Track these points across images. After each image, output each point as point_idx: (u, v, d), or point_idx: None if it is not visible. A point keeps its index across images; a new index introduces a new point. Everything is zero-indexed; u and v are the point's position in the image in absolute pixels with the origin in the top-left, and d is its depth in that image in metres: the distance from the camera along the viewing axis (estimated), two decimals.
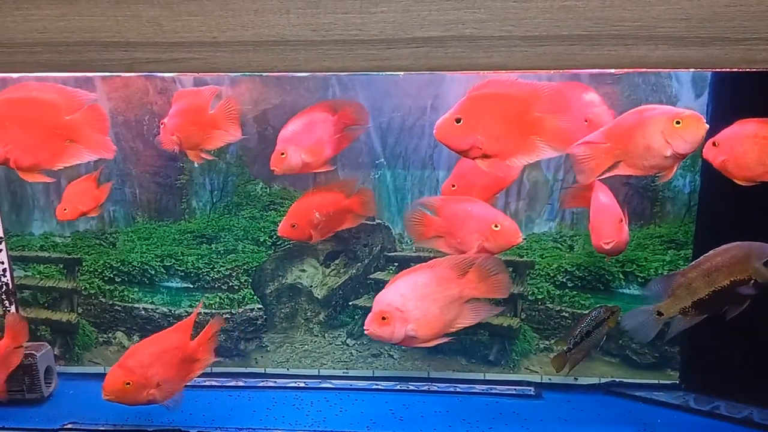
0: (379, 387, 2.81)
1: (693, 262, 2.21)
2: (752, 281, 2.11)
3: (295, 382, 2.85)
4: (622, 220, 2.19)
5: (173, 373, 2.29)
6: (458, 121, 1.87)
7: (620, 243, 2.18)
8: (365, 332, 2.11)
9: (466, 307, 2.16)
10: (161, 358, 2.28)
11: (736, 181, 2.01)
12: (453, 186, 2.37)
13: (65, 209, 2.51)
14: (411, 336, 2.08)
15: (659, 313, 2.20)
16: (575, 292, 2.73)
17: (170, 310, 2.92)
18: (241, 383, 2.86)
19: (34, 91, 2.03)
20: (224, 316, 2.89)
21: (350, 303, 2.89)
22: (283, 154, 2.32)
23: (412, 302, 2.08)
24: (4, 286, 2.77)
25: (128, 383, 2.22)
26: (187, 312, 2.91)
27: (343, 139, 2.42)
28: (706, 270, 2.15)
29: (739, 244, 2.14)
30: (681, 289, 2.18)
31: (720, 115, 2.46)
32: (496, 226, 2.17)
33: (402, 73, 1.80)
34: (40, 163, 2.08)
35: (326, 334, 2.92)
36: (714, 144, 2.01)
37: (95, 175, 2.58)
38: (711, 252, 2.16)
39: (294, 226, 2.45)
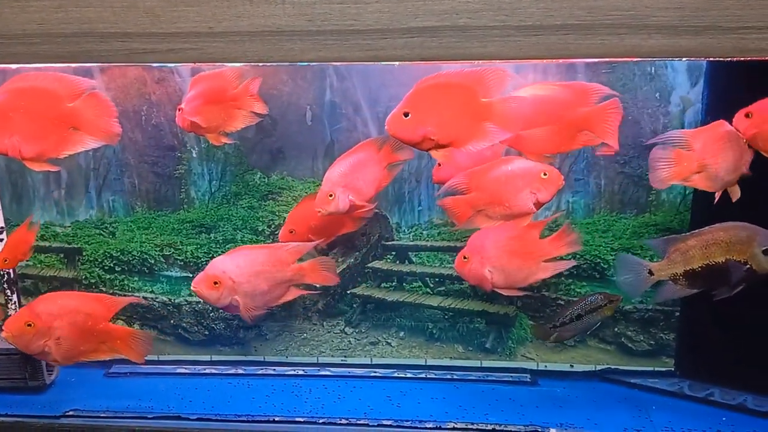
0: (377, 374, 2.83)
1: (695, 230, 2.17)
2: (747, 266, 2.10)
3: (294, 370, 2.87)
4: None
5: (77, 336, 2.25)
6: (406, 115, 1.89)
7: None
8: (192, 288, 2.20)
9: (292, 288, 2.32)
10: (72, 315, 2.24)
11: (764, 154, 2.00)
12: (439, 165, 2.38)
13: (6, 259, 2.51)
14: (234, 305, 2.21)
15: (650, 272, 2.19)
16: (571, 280, 2.75)
17: (170, 299, 2.94)
18: (240, 371, 2.88)
19: (36, 80, 2.05)
20: None
21: (348, 291, 2.92)
22: (331, 195, 2.27)
23: (245, 276, 2.21)
24: (6, 276, 2.79)
25: (30, 324, 2.20)
26: (186, 301, 2.94)
27: (385, 176, 2.41)
28: (705, 241, 2.12)
29: (745, 225, 2.11)
30: (677, 253, 2.15)
31: (715, 104, 2.47)
32: (544, 174, 2.12)
33: (397, 63, 1.82)
34: (46, 152, 2.11)
35: (324, 323, 2.94)
36: (747, 115, 1.98)
37: (27, 222, 2.55)
38: (715, 225, 2.13)
39: (292, 231, 2.48)
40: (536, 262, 2.28)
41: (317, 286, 2.46)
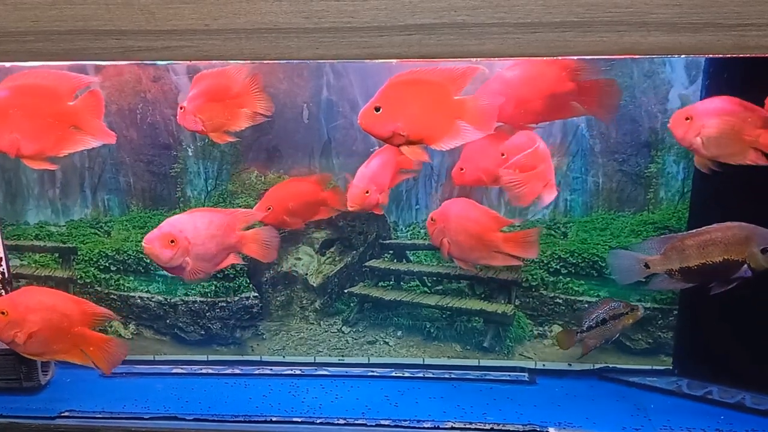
0: (375, 374, 2.82)
1: (693, 230, 2.20)
2: (745, 265, 2.10)
3: (291, 370, 2.86)
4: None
5: (49, 334, 2.26)
6: (377, 109, 1.90)
7: None
8: (144, 245, 2.16)
9: (231, 255, 2.34)
10: (47, 312, 2.25)
11: None
12: (462, 169, 2.40)
13: None
14: (182, 267, 2.20)
15: (646, 265, 2.22)
16: (569, 279, 2.75)
17: (166, 299, 2.93)
18: (237, 371, 2.87)
19: (37, 77, 2.05)
20: (220, 304, 2.91)
21: (346, 291, 2.91)
22: (367, 192, 2.40)
23: (201, 238, 2.21)
24: (1, 276, 2.77)
25: (4, 313, 2.22)
26: (183, 301, 2.92)
27: (394, 179, 2.54)
28: (703, 242, 2.14)
29: (743, 225, 2.12)
30: (673, 251, 2.17)
31: None
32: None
33: (395, 60, 1.81)
34: (45, 150, 2.11)
35: (322, 322, 2.93)
36: None
37: None
38: (713, 225, 2.15)
39: (269, 209, 2.54)
40: (488, 250, 2.36)
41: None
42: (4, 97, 2.02)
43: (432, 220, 2.41)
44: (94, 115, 2.10)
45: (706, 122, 2.08)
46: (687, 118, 2.10)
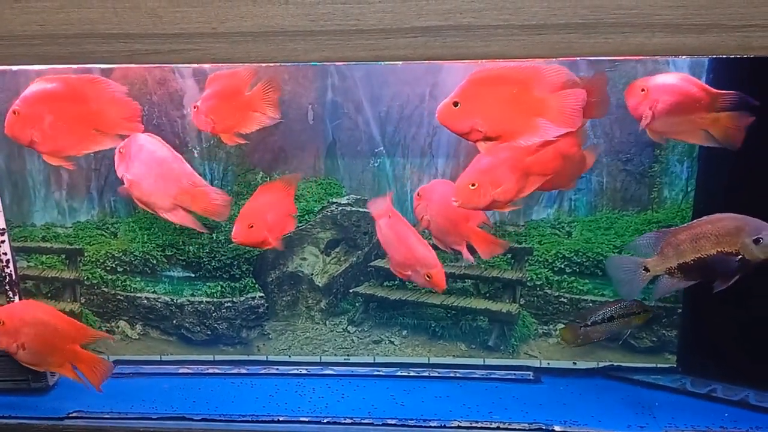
0: (380, 373, 2.83)
1: (685, 224, 2.19)
2: (740, 257, 2.08)
3: (297, 369, 2.88)
4: None
5: (41, 348, 2.35)
6: (456, 104, 1.89)
7: None
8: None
9: (179, 210, 2.25)
10: (40, 327, 2.34)
11: None
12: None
13: None
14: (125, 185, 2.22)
15: (646, 269, 2.20)
16: (573, 278, 2.76)
17: (172, 299, 2.94)
18: (243, 371, 2.88)
19: (67, 79, 2.12)
20: (226, 305, 2.92)
21: (351, 290, 2.92)
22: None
23: (141, 166, 2.18)
24: (8, 277, 2.78)
25: (2, 322, 2.32)
26: (189, 301, 2.93)
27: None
28: (694, 235, 2.12)
29: (733, 216, 2.10)
30: (669, 248, 2.15)
31: None
32: None
33: (400, 62, 1.81)
34: (66, 149, 2.17)
35: (327, 322, 2.94)
36: None
37: None
38: (703, 218, 2.14)
39: (251, 226, 2.31)
40: (461, 237, 2.37)
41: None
42: (33, 94, 2.10)
43: (418, 195, 2.42)
44: (119, 120, 2.18)
45: (660, 97, 2.10)
46: (642, 90, 2.11)
